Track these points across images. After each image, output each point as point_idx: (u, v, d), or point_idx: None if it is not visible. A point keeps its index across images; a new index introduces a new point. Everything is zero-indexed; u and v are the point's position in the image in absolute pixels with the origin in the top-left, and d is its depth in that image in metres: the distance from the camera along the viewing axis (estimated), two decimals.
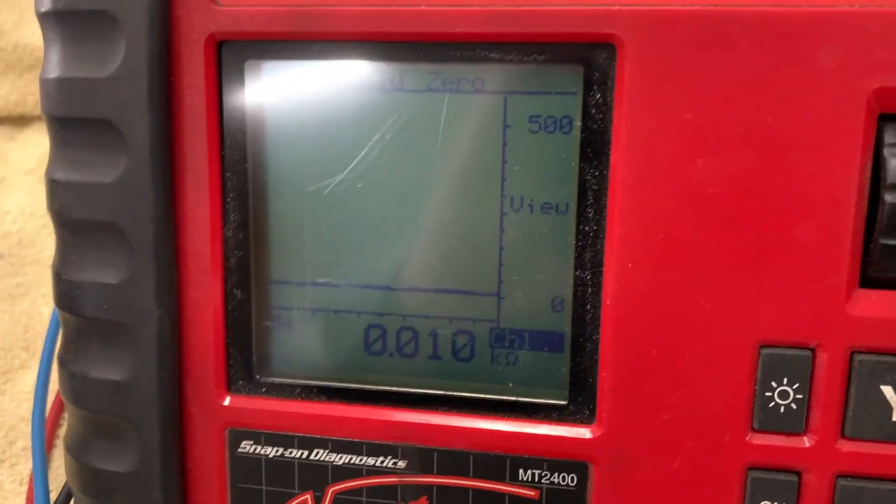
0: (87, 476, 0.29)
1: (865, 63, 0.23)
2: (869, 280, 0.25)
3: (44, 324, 0.46)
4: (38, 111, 0.61)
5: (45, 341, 0.41)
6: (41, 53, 0.60)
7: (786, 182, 0.24)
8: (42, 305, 0.48)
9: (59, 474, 0.38)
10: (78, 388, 0.29)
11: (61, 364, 0.29)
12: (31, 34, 0.59)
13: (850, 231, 0.24)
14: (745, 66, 0.24)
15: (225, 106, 0.27)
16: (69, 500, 0.34)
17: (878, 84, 0.23)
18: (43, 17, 0.27)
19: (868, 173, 0.24)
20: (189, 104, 0.27)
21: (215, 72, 0.27)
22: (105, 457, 0.29)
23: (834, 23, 0.23)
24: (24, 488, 0.38)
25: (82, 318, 0.28)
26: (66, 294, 0.28)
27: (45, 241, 0.52)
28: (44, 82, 0.28)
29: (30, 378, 0.43)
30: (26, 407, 0.41)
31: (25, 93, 0.60)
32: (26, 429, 0.40)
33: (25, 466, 0.39)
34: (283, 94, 0.27)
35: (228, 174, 0.28)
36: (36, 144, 0.60)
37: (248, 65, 0.27)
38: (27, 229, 0.52)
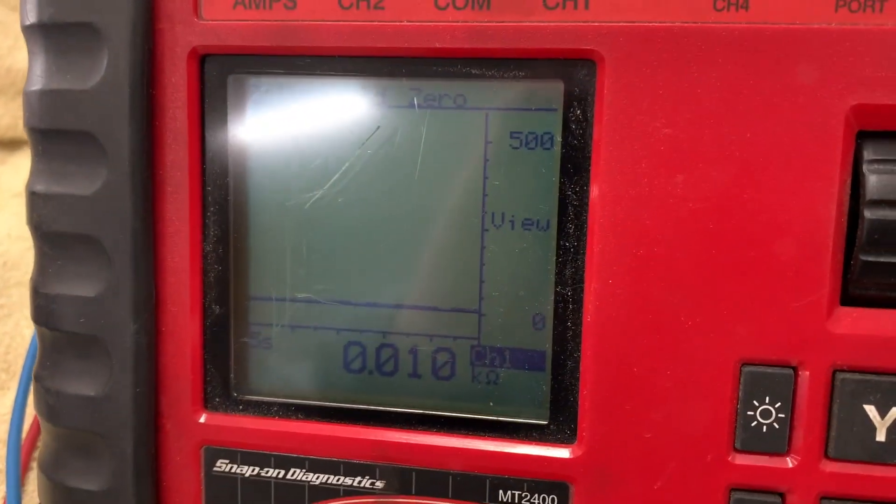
0: (59, 495, 0.29)
1: (844, 80, 0.23)
2: (850, 298, 0.24)
3: (26, 346, 0.46)
4: None
5: (25, 363, 0.41)
6: None
7: (766, 198, 0.24)
8: (25, 328, 0.47)
9: (33, 497, 0.37)
10: (52, 404, 0.28)
11: (36, 380, 0.29)
12: (25, 59, 0.60)
13: (830, 248, 0.24)
14: (725, 83, 0.24)
15: (207, 120, 0.27)
16: None
17: (857, 101, 0.23)
18: (27, 30, 0.27)
19: (848, 190, 0.24)
20: (171, 117, 0.27)
21: (198, 85, 0.27)
22: (78, 475, 0.28)
23: (812, 40, 0.23)
24: None
25: (58, 332, 0.28)
26: (43, 308, 0.28)
27: (30, 264, 0.51)
28: (27, 95, 0.28)
29: (9, 399, 0.43)
30: (3, 429, 0.41)
31: (17, 116, 0.60)
32: (2, 451, 0.40)
33: (0, 489, 0.38)
34: (266, 108, 0.27)
35: (209, 188, 0.27)
36: (26, 168, 0.59)
37: (230, 79, 0.27)
38: (12, 252, 0.52)
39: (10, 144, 0.62)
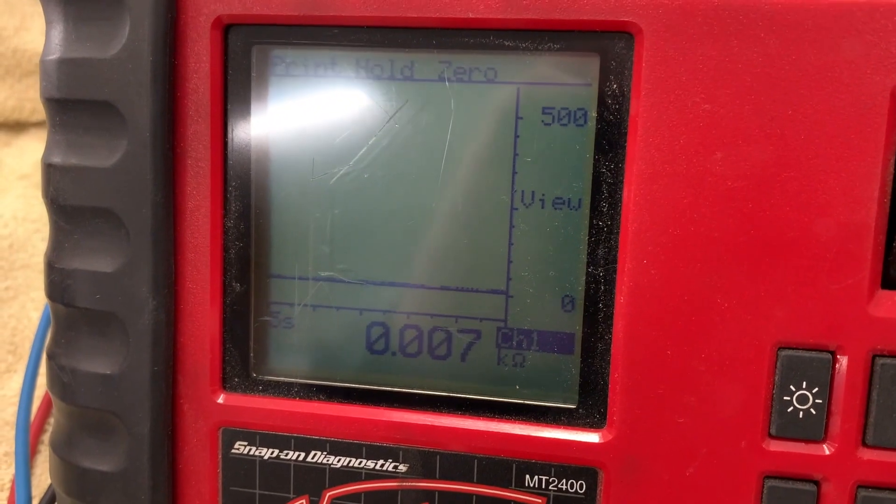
0: (72, 476, 0.28)
1: (889, 56, 0.23)
2: (892, 281, 0.24)
3: (32, 328, 0.45)
4: (34, 117, 0.61)
5: (33, 345, 0.40)
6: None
7: (806, 177, 0.23)
8: (31, 310, 0.46)
9: (41, 480, 0.36)
10: (66, 382, 0.27)
11: (50, 357, 0.28)
12: (32, 40, 0.59)
13: (871, 229, 0.23)
14: (766, 58, 0.23)
15: (230, 92, 0.26)
16: None
17: None
18: None
19: (891, 170, 0.23)
20: (193, 88, 0.26)
21: (221, 56, 0.26)
22: (92, 455, 0.28)
23: (857, 15, 0.23)
24: (6, 494, 0.36)
25: (74, 309, 0.27)
26: (58, 283, 0.27)
27: (36, 246, 0.51)
28: (44, 64, 0.27)
29: (15, 382, 0.42)
30: (10, 411, 0.40)
31: (23, 98, 0.59)
32: (10, 433, 0.39)
33: (7, 472, 0.37)
34: (290, 81, 0.27)
35: (231, 162, 0.27)
36: (31, 151, 0.59)
37: (255, 50, 0.26)
38: (18, 233, 0.51)
39: (16, 126, 0.61)
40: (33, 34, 0.59)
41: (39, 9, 0.61)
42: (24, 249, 0.50)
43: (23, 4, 0.60)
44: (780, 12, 0.23)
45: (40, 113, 0.60)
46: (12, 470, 0.37)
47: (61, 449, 0.28)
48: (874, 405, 0.24)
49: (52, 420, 0.40)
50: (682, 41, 0.23)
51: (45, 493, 0.33)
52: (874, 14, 0.23)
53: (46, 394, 0.40)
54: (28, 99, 0.60)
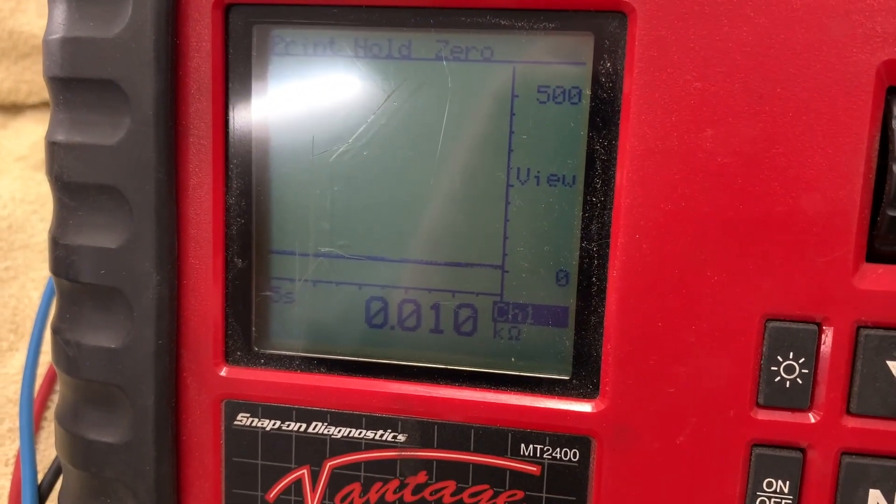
0: (77, 447, 0.29)
1: (875, 35, 0.23)
2: (876, 254, 0.25)
3: (32, 307, 0.45)
4: (31, 99, 0.61)
5: (35, 323, 0.41)
6: (37, 41, 0.59)
7: (793, 153, 0.24)
8: (31, 290, 0.47)
9: (45, 455, 0.37)
10: (71, 356, 0.28)
11: (55, 332, 0.29)
12: (28, 22, 0.59)
13: (857, 203, 0.24)
14: (755, 37, 0.24)
15: (231, 70, 0.27)
16: (56, 480, 0.34)
17: (887, 56, 0.23)
18: None
19: (876, 146, 0.24)
20: (195, 67, 0.27)
21: (222, 35, 0.27)
22: (97, 427, 0.28)
23: None
24: (10, 469, 0.37)
25: (78, 284, 0.28)
26: (63, 259, 0.28)
27: (35, 227, 0.51)
28: (47, 44, 0.27)
29: (17, 360, 0.42)
30: (13, 389, 0.41)
31: (19, 80, 0.59)
32: (13, 410, 0.39)
33: (11, 447, 0.38)
34: (290, 60, 0.27)
35: (232, 140, 0.27)
36: (28, 132, 0.59)
37: (255, 29, 0.27)
38: (17, 214, 0.51)
39: (12, 108, 0.61)
40: (29, 16, 0.59)
41: None
42: (22, 230, 0.51)
43: None
44: None
45: (37, 95, 0.60)
46: (16, 446, 0.38)
47: (67, 421, 0.29)
48: (858, 375, 0.25)
49: (54, 397, 0.41)
50: (674, 21, 0.24)
51: (50, 467, 0.34)
52: None
53: (49, 371, 0.41)
54: (24, 81, 0.60)
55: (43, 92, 0.60)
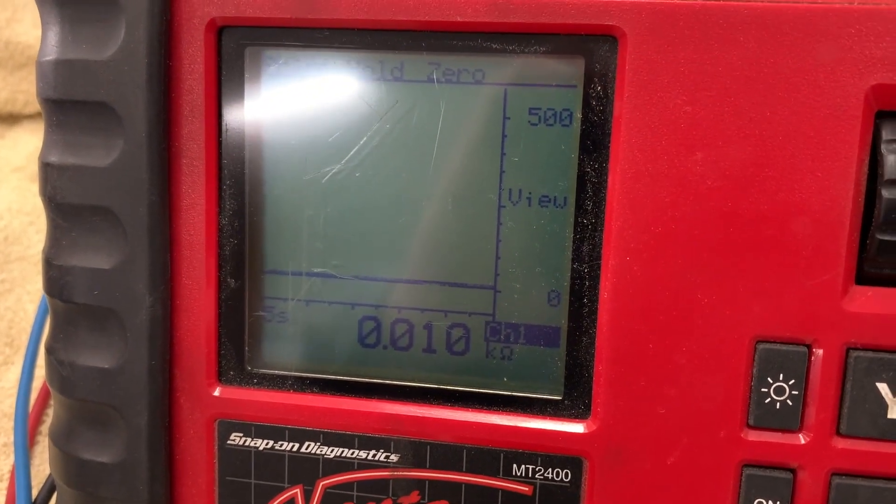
0: (71, 467, 0.29)
1: (863, 60, 0.24)
2: (865, 277, 0.25)
3: (28, 320, 0.45)
4: (28, 109, 0.61)
5: (30, 336, 0.41)
6: (33, 52, 0.59)
7: (783, 177, 0.24)
8: (27, 302, 0.47)
9: (40, 471, 0.37)
10: (65, 376, 0.28)
11: (49, 352, 0.29)
12: (24, 32, 0.59)
13: (846, 227, 0.24)
14: (745, 61, 0.24)
15: (223, 92, 0.27)
16: (51, 496, 0.34)
17: (876, 81, 0.24)
18: (42, 0, 0.27)
19: (865, 169, 0.24)
20: (188, 89, 0.27)
21: (215, 57, 0.27)
22: (91, 447, 0.28)
23: (832, 19, 0.24)
24: (5, 484, 0.37)
25: (72, 305, 0.28)
26: (56, 280, 0.28)
27: (31, 239, 0.51)
28: (40, 65, 0.27)
29: (12, 374, 0.42)
30: (8, 403, 0.41)
31: (16, 91, 0.60)
32: (7, 424, 0.40)
33: (6, 462, 0.38)
34: (283, 81, 0.27)
35: (225, 161, 0.27)
36: (25, 143, 0.59)
37: (248, 51, 0.27)
38: (13, 226, 0.51)
39: (9, 118, 0.61)
40: (25, 26, 0.59)
41: (31, 1, 0.61)
42: (19, 242, 0.51)
43: None
44: (758, 17, 0.24)
45: (33, 105, 0.60)
46: (11, 460, 0.38)
47: (61, 441, 0.29)
48: (847, 396, 0.25)
49: (49, 412, 0.41)
50: (664, 45, 0.24)
51: (44, 484, 0.34)
52: (849, 19, 0.23)
53: (44, 385, 0.41)
54: (21, 91, 0.60)
55: None
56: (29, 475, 0.34)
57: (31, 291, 0.48)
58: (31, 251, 0.50)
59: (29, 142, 0.60)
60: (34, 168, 0.58)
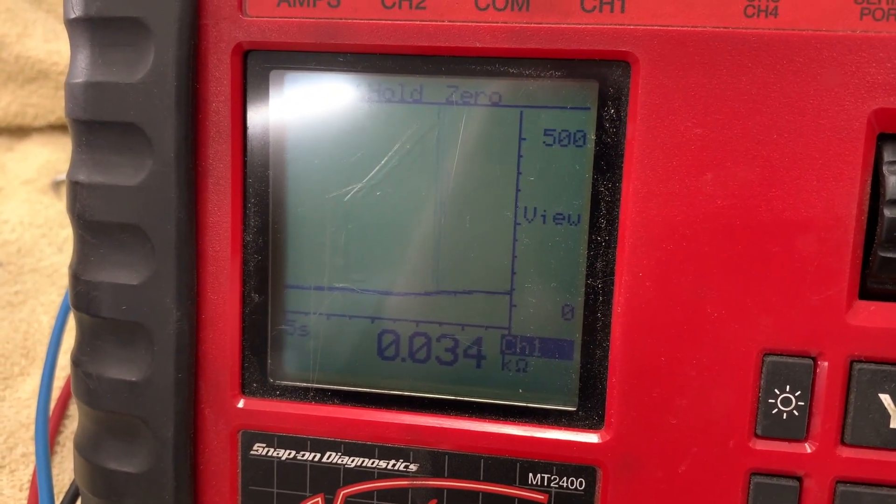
0: (97, 476, 0.29)
1: (866, 85, 0.25)
2: (868, 292, 0.26)
3: (43, 331, 0.46)
4: (37, 122, 0.62)
5: (49, 347, 0.41)
6: (43, 66, 0.60)
7: (790, 196, 0.25)
8: (41, 314, 0.48)
9: (58, 480, 0.38)
10: (92, 388, 0.29)
11: (76, 364, 0.30)
12: (34, 47, 0.60)
13: (850, 244, 0.25)
14: (753, 85, 0.25)
15: (249, 113, 0.28)
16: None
17: (878, 105, 0.25)
18: (72, 24, 0.28)
19: (868, 189, 0.25)
20: (214, 111, 0.28)
21: (241, 80, 0.28)
22: (117, 457, 0.29)
23: (836, 46, 0.25)
24: (24, 494, 0.37)
25: (99, 319, 0.29)
26: (84, 294, 0.29)
27: (43, 251, 0.52)
28: (70, 87, 0.28)
29: (29, 385, 0.43)
30: (26, 413, 0.41)
31: (25, 104, 0.60)
32: (26, 435, 0.40)
33: (25, 472, 0.38)
34: (306, 103, 0.28)
35: (250, 180, 0.28)
36: (34, 155, 0.60)
37: (272, 74, 0.28)
38: (25, 238, 0.52)
39: (18, 131, 0.62)
40: (35, 41, 0.60)
41: (41, 16, 0.62)
42: (31, 254, 0.51)
43: (25, 11, 0.61)
44: (765, 43, 0.25)
45: (43, 118, 0.61)
46: (30, 471, 0.38)
47: (87, 451, 0.30)
48: (852, 407, 0.26)
49: (65, 422, 0.41)
50: (676, 70, 0.25)
51: (66, 494, 0.34)
52: (852, 46, 0.24)
53: (60, 396, 0.41)
54: (31, 104, 0.61)
55: (49, 115, 0.61)
56: (52, 485, 0.35)
57: (44, 303, 0.48)
58: (44, 263, 0.51)
59: (38, 154, 0.60)
60: (44, 181, 0.58)
